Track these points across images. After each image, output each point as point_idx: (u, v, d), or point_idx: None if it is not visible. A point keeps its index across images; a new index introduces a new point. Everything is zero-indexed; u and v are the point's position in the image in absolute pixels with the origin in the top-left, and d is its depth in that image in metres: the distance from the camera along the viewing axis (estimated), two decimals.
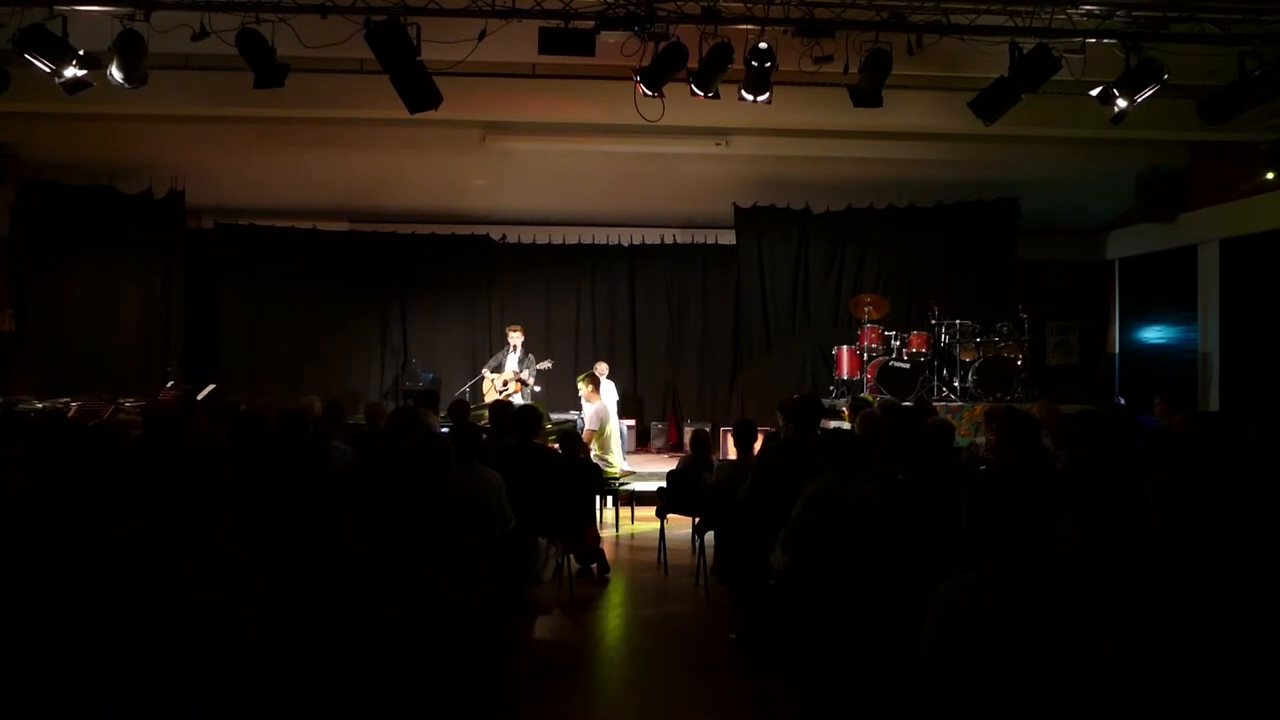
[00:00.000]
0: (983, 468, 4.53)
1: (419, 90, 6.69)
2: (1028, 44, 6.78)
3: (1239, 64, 6.94)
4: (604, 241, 13.37)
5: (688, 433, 10.20)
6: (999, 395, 10.36)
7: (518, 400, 10.34)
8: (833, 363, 11.29)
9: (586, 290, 13.40)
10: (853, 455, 4.55)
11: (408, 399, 10.36)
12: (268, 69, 6.55)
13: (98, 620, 2.33)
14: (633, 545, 8.19)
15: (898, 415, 5.90)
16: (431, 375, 12.34)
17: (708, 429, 10.35)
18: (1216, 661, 2.66)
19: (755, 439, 6.53)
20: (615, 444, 9.83)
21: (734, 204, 12.25)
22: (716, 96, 7.15)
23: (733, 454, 10.03)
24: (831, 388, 11.32)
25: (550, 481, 5.98)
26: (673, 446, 12.42)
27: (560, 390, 11.91)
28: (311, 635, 2.75)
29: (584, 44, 6.68)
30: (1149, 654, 2.71)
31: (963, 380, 10.74)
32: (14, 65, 6.81)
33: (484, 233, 13.19)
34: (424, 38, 6.41)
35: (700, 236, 13.32)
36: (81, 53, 6.50)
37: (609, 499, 8.49)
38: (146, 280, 11.72)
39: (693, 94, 7.07)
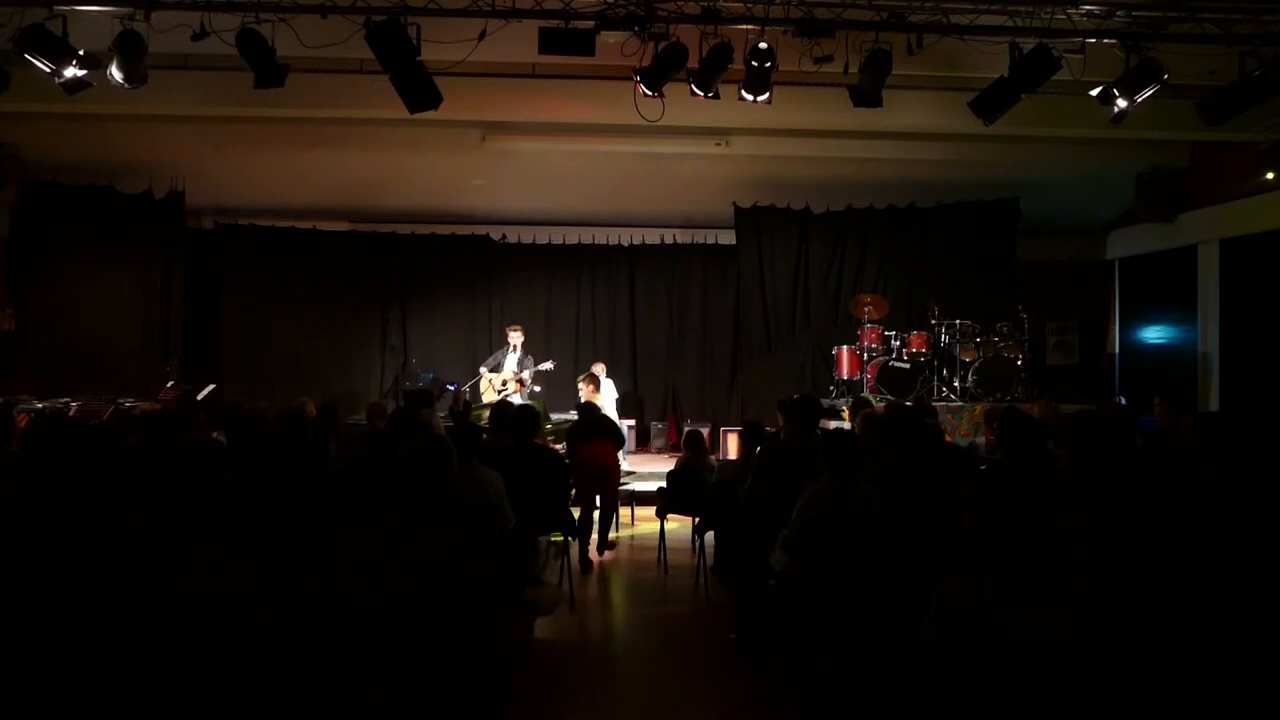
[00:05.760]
0: (983, 467, 4.53)
1: (419, 90, 6.68)
2: (1028, 44, 6.77)
3: (1239, 64, 6.93)
4: (604, 241, 13.38)
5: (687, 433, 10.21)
6: (999, 395, 10.36)
7: (517, 400, 10.34)
8: (833, 363, 11.29)
9: (586, 290, 13.41)
10: (853, 455, 4.54)
11: (407, 399, 10.37)
12: (267, 69, 6.55)
13: (96, 619, 2.33)
14: (633, 545, 8.19)
15: (898, 415, 5.90)
16: (431, 375, 12.34)
17: (707, 429, 10.36)
18: (1215, 659, 2.67)
19: (763, 440, 6.52)
20: None
21: (734, 204, 12.25)
22: (716, 96, 7.14)
23: (733, 454, 10.07)
24: (831, 388, 11.32)
25: (550, 482, 5.98)
26: (673, 446, 12.41)
27: (560, 390, 11.91)
28: (311, 635, 2.75)
29: (584, 44, 6.67)
30: (1148, 653, 2.71)
31: (963, 380, 10.73)
32: (14, 65, 6.80)
33: (484, 233, 13.21)
34: (424, 38, 6.40)
35: (700, 236, 13.33)
36: (81, 53, 6.49)
37: None
38: (146, 280, 11.71)
39: (693, 94, 7.06)
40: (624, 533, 8.47)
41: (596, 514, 7.69)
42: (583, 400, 9.71)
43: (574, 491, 7.60)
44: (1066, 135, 9.77)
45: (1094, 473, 3.56)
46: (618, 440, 7.91)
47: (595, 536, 7.60)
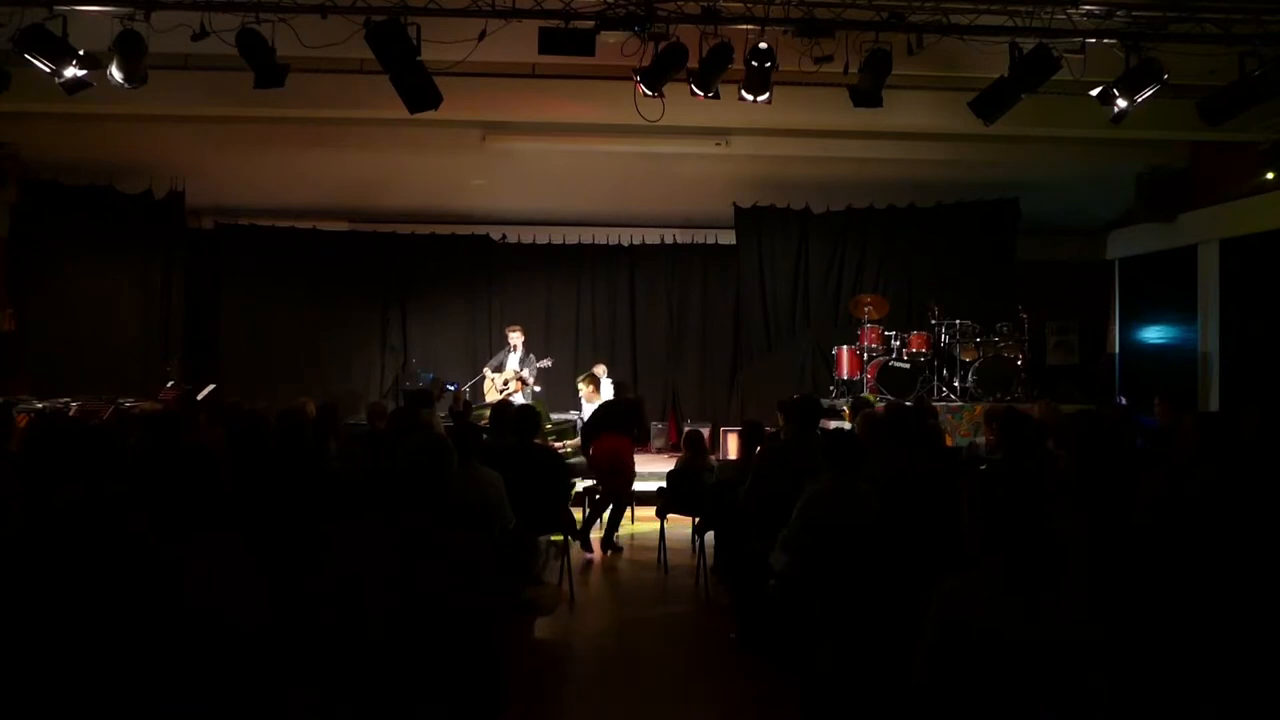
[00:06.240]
0: (983, 467, 4.53)
1: (419, 90, 6.69)
2: (1028, 44, 6.77)
3: (1239, 64, 6.93)
4: (604, 241, 13.38)
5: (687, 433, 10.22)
6: (999, 395, 10.36)
7: (518, 400, 10.35)
8: (833, 363, 11.29)
9: (586, 290, 13.41)
10: (853, 455, 4.55)
11: (407, 399, 10.37)
12: (268, 69, 6.55)
13: (95, 620, 2.33)
14: (633, 545, 8.19)
15: (898, 415, 5.90)
16: (431, 375, 12.34)
17: (707, 429, 10.35)
18: (1215, 658, 2.66)
19: (763, 440, 6.53)
20: None
21: (734, 204, 12.25)
22: (716, 96, 7.15)
23: (733, 454, 10.06)
24: (831, 388, 11.32)
25: (550, 482, 5.98)
26: (673, 446, 12.41)
27: (560, 390, 11.93)
28: (312, 635, 2.75)
29: (584, 44, 6.67)
30: (1148, 653, 2.71)
31: (963, 380, 10.74)
32: (14, 65, 6.80)
33: (484, 233, 13.21)
34: (424, 38, 6.40)
35: (700, 236, 13.34)
36: (81, 53, 6.49)
37: None
38: (146, 280, 11.71)
39: (693, 94, 7.07)
40: (624, 532, 8.45)
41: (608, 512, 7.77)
42: (584, 398, 9.80)
43: (592, 482, 7.69)
44: (1066, 135, 9.77)
45: (1094, 473, 3.57)
46: (634, 432, 7.95)
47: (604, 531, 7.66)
